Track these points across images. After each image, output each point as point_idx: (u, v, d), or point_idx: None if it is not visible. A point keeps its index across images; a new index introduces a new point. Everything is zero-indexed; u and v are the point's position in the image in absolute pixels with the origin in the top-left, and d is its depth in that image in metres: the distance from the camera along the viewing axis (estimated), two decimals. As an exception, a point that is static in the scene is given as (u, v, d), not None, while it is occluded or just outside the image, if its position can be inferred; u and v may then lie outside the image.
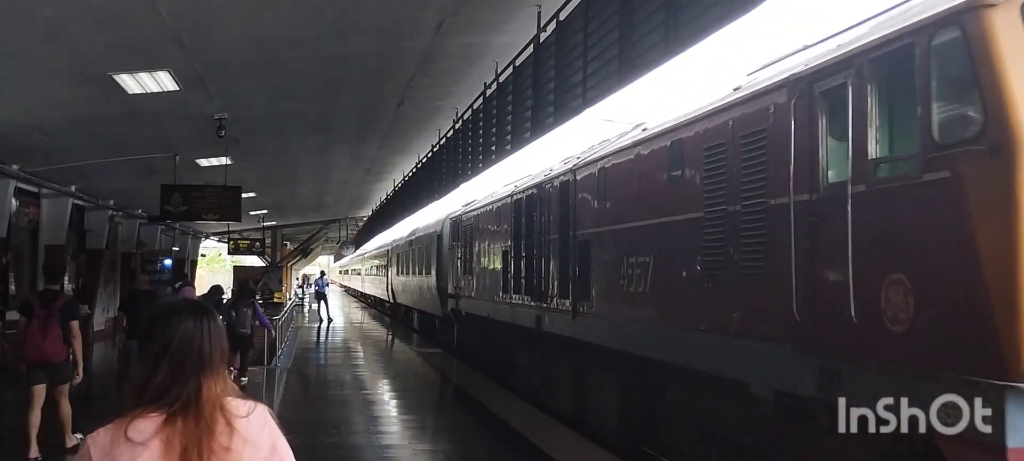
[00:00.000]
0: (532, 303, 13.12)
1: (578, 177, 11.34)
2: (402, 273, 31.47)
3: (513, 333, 14.95)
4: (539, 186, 13.14)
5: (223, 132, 14.32)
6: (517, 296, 14.02)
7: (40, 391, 8.96)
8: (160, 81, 11.42)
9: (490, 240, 16.46)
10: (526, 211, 13.73)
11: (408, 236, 29.54)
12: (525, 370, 15.10)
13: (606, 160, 10.37)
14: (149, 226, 27.70)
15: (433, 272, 23.25)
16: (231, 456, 2.20)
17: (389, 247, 35.91)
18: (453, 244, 20.22)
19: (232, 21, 9.37)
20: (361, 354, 22.30)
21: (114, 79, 11.08)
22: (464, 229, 18.87)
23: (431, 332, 25.76)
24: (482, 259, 17.20)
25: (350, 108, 15.08)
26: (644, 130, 9.68)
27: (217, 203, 17.91)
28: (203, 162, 18.64)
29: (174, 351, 2.23)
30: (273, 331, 17.84)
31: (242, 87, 12.69)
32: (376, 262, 44.08)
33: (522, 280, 13.76)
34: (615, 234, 9.98)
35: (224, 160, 18.11)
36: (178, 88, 11.74)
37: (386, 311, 40.26)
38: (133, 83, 11.39)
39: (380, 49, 11.27)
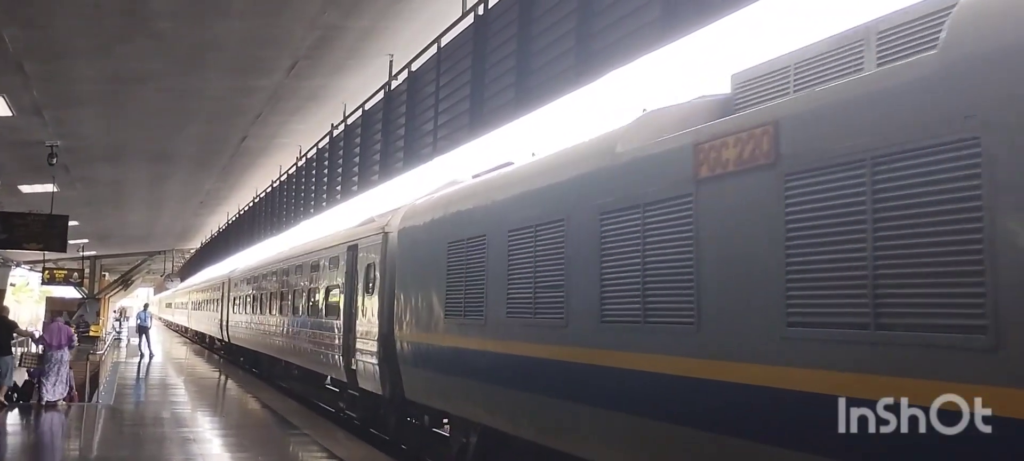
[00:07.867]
0: None
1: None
2: None
3: None
4: None
5: (54, 159, 13.86)
6: None
7: None
8: (-8, 106, 11.06)
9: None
10: None
11: None
12: None
13: None
14: (-45, 253, 25.90)
15: None
16: None
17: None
18: None
19: (83, 51, 9.26)
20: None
21: (-59, 101, 10.67)
22: None
23: None
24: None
25: (192, 140, 14.91)
26: None
27: (42, 232, 16.89)
28: (26, 188, 17.79)
29: None
30: None
31: (81, 115, 12.39)
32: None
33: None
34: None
35: (50, 187, 17.32)
36: (11, 114, 11.38)
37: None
38: (-38, 106, 10.98)
39: (231, 85, 11.35)
